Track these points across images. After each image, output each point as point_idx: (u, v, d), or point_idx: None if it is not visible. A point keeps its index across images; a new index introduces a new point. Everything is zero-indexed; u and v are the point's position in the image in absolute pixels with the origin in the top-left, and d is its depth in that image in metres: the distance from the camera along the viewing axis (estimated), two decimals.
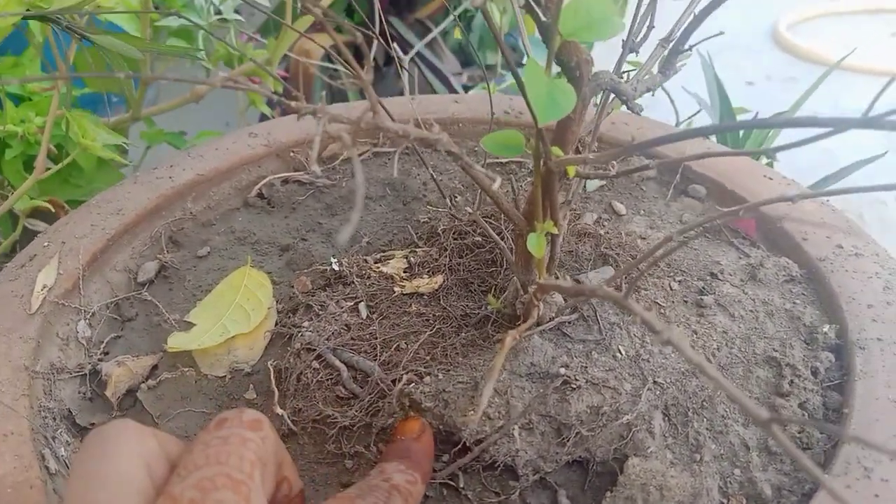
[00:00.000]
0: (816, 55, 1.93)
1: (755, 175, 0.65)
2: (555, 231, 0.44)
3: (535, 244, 0.43)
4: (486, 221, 0.57)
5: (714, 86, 0.84)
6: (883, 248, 0.56)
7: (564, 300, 0.49)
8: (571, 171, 0.43)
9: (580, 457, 0.44)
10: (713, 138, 0.75)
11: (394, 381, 0.47)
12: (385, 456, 0.42)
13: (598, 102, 0.53)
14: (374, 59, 1.25)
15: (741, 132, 0.79)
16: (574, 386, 0.45)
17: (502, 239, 0.55)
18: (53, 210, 0.77)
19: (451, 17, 1.01)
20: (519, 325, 0.45)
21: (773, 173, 0.65)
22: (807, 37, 2.06)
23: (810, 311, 0.53)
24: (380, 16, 0.56)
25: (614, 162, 0.66)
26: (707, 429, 0.45)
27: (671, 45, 0.47)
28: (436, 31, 0.82)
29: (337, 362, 0.49)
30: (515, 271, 0.48)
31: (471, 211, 0.51)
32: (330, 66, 1.17)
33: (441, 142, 0.39)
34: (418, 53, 1.36)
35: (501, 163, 0.73)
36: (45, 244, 0.58)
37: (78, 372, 0.53)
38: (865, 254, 0.55)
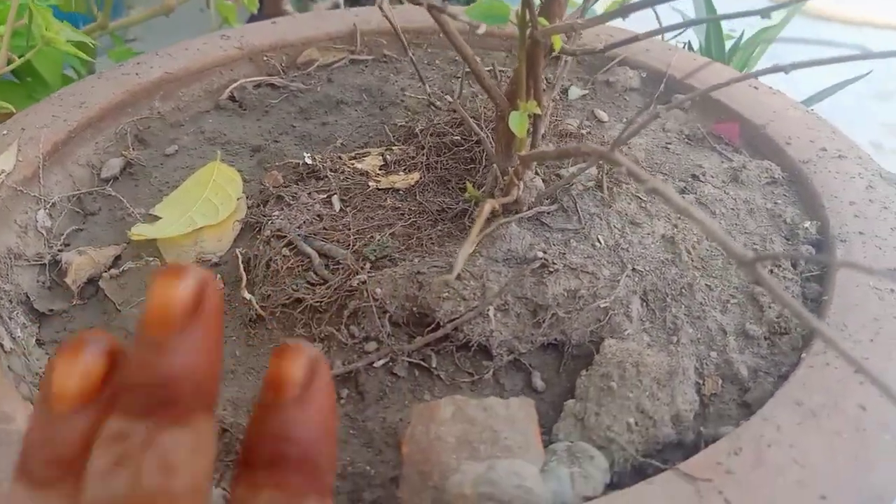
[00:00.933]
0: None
1: (741, 84, 0.64)
2: (538, 111, 0.43)
3: (518, 122, 0.42)
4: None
5: (701, 3, 0.82)
6: (866, 152, 0.55)
7: (545, 185, 0.47)
8: (558, 42, 0.41)
9: (556, 339, 0.43)
10: (697, 53, 0.73)
11: (363, 266, 0.46)
12: (273, 457, 0.23)
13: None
14: None
15: (727, 48, 0.78)
16: (551, 269, 0.44)
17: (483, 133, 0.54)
18: None
19: None
20: (500, 199, 0.44)
21: (758, 83, 0.64)
22: None
23: (791, 210, 0.52)
24: None
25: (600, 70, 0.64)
26: (685, 314, 0.44)
27: None
28: None
29: (308, 249, 0.47)
30: (495, 157, 0.47)
31: (451, 99, 0.49)
32: None
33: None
34: None
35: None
36: (4, 132, 0.55)
37: (37, 261, 0.50)
38: (849, 156, 0.54)
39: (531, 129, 0.45)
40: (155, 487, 0.20)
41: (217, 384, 0.22)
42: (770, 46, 0.85)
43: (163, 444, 0.20)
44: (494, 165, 0.47)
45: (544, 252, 0.45)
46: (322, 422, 0.24)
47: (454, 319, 0.42)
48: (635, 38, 0.38)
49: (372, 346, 0.43)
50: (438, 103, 0.53)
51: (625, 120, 0.64)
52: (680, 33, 0.82)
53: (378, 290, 0.44)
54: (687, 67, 0.68)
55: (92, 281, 0.50)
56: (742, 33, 0.79)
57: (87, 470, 0.21)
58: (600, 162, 0.52)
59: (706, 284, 0.46)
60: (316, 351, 0.24)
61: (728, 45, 0.78)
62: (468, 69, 0.43)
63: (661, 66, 0.67)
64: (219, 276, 0.50)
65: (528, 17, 0.39)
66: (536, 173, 0.48)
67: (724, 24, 0.83)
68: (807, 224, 0.50)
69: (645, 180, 0.30)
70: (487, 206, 0.36)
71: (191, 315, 0.21)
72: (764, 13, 0.36)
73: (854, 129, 0.57)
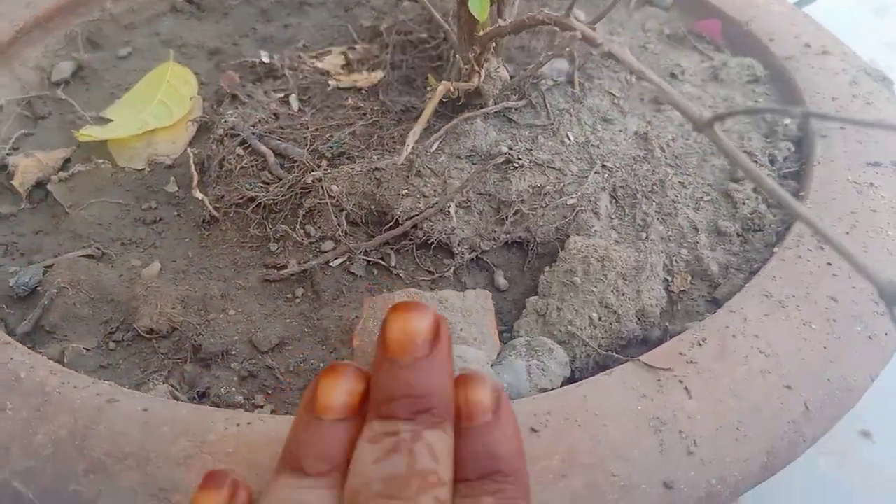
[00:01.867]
0: None
1: None
2: None
3: (478, 5, 0.39)
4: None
5: None
6: (851, 48, 0.53)
7: (510, 77, 0.45)
8: None
9: (520, 237, 0.41)
10: None
11: (320, 164, 0.43)
12: (479, 471, 0.27)
13: None
14: None
15: None
16: (516, 165, 0.42)
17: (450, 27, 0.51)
18: None
19: None
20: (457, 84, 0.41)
21: None
22: None
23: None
24: None
25: None
26: (656, 211, 0.42)
27: None
28: None
29: (262, 147, 0.45)
30: (458, 47, 0.44)
31: None
32: None
33: None
34: None
35: None
36: None
37: None
38: (833, 52, 0.52)
39: (496, 14, 0.43)
40: (427, 468, 0.25)
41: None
42: None
43: (428, 439, 0.25)
44: (458, 56, 0.44)
45: (510, 148, 0.43)
46: (519, 439, 0.27)
47: (414, 216, 0.40)
48: None
49: (329, 245, 0.41)
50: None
51: (603, 19, 0.61)
52: None
53: (334, 188, 0.42)
54: None
55: (41, 184, 0.48)
56: None
57: (357, 459, 0.26)
58: (572, 55, 0.49)
59: (679, 182, 0.44)
60: (496, 382, 0.28)
61: None
62: None
63: None
64: (173, 178, 0.47)
65: None
66: (504, 65, 0.46)
67: None
68: (787, 121, 0.48)
69: (599, 44, 0.28)
70: (441, 88, 0.34)
71: (433, 343, 0.27)
72: None
73: (853, 46, 0.54)
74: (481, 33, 0.39)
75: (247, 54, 0.57)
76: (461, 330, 0.33)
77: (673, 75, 0.53)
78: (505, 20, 0.42)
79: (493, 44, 0.41)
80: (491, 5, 0.40)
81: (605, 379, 0.32)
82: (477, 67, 0.40)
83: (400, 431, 0.26)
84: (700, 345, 0.33)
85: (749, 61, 0.53)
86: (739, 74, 0.52)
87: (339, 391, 0.27)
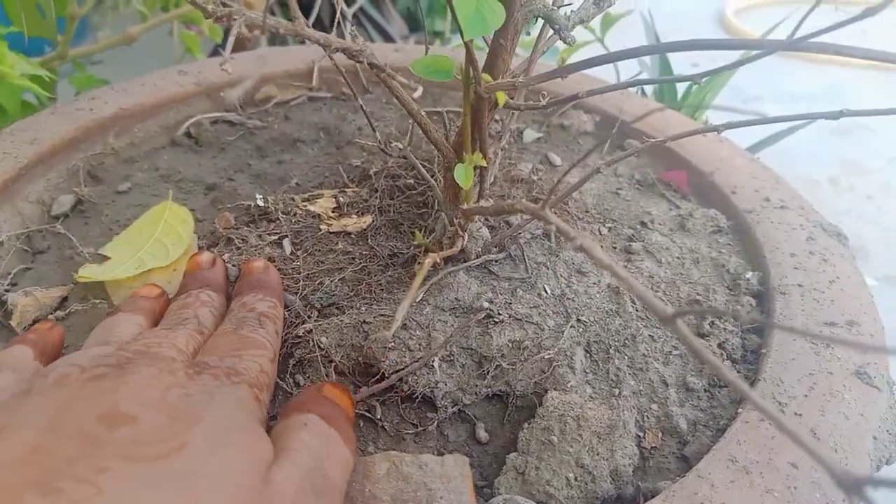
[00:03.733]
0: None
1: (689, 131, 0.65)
2: (483, 164, 0.44)
3: (463, 175, 0.42)
4: (421, 164, 0.56)
5: (654, 41, 0.84)
6: (808, 202, 0.57)
7: (491, 236, 0.48)
8: (501, 98, 0.42)
9: (500, 391, 0.43)
10: (651, 97, 0.75)
11: (311, 315, 0.46)
12: (238, 290, 0.45)
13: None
14: (319, 15, 1.22)
15: (679, 93, 0.80)
16: (497, 320, 0.44)
17: (434, 179, 0.54)
18: None
19: None
20: (443, 252, 0.44)
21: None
22: (754, 23, 2.10)
23: (735, 259, 0.53)
24: None
25: (550, 109, 0.65)
26: (628, 366, 0.45)
27: None
28: None
29: None
30: (443, 206, 0.47)
31: (402, 147, 0.50)
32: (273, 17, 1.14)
33: (364, 53, 0.38)
34: (365, 14, 1.34)
35: (438, 111, 0.71)
36: None
37: None
38: (791, 206, 0.56)
39: (478, 180, 0.46)
40: (205, 299, 0.44)
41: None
42: (729, 81, 0.87)
43: (207, 292, 0.45)
44: (443, 214, 0.47)
45: (490, 302, 0.45)
46: (275, 279, 0.47)
47: (399, 370, 0.42)
48: (575, 98, 0.39)
49: None
50: (390, 150, 0.53)
51: (579, 165, 0.65)
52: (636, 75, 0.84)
53: (324, 340, 0.44)
54: (639, 113, 0.69)
55: (37, 322, 0.49)
56: (691, 85, 0.81)
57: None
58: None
59: (649, 335, 0.46)
60: (265, 260, 0.50)
61: (681, 89, 0.80)
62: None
63: (613, 111, 0.69)
64: None
65: (471, 73, 0.40)
66: (485, 222, 0.49)
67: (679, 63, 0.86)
68: (748, 275, 0.51)
69: (573, 238, 0.31)
70: (428, 261, 0.36)
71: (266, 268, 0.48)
72: (697, 78, 0.37)
73: (813, 164, 0.59)
74: (467, 205, 0.42)
75: (241, 191, 0.60)
76: (441, 498, 0.35)
77: (643, 224, 0.56)
78: (486, 187, 0.46)
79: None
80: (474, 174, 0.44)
81: None
82: (461, 232, 0.43)
83: (190, 293, 0.45)
84: None
85: (713, 213, 0.57)
86: (704, 225, 0.56)
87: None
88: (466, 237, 0.45)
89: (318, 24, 1.12)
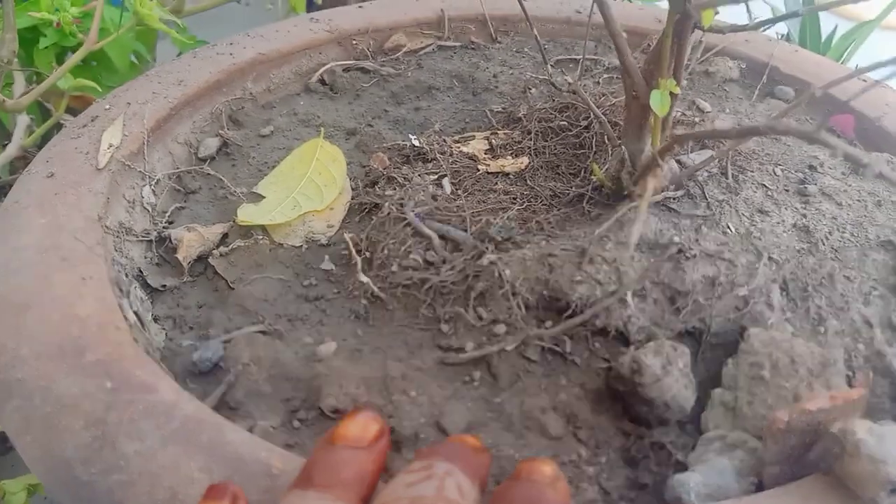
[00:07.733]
0: None
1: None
2: (677, 91, 0.42)
3: (659, 101, 0.40)
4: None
5: None
6: None
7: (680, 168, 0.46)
8: (709, 17, 0.40)
9: (693, 327, 0.41)
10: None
11: (485, 247, 0.44)
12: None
13: None
14: None
15: (821, 42, 0.76)
16: (689, 255, 0.42)
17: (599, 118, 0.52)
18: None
19: None
20: (633, 194, 0.42)
21: (867, 77, 0.62)
22: None
23: None
24: None
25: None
26: (828, 305, 0.42)
27: None
28: None
29: (427, 230, 0.46)
30: (625, 140, 0.45)
31: (571, 81, 0.48)
32: None
33: None
34: None
35: (574, 59, 0.69)
36: (107, 107, 0.55)
37: (144, 237, 0.49)
38: None
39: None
40: (453, 498, 0.28)
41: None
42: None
43: (459, 478, 0.29)
44: (623, 148, 0.46)
45: (678, 237, 0.43)
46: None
47: (592, 304, 0.41)
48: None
49: (500, 328, 0.42)
50: (560, 84, 0.52)
51: (727, 111, 0.62)
52: (770, 26, 0.81)
53: (507, 272, 0.42)
54: (788, 59, 0.66)
55: (200, 258, 0.49)
56: (835, 28, 0.77)
57: (391, 482, 0.29)
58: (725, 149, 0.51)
59: (845, 276, 0.44)
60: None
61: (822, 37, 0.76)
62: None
63: (761, 57, 0.66)
64: (327, 256, 0.48)
65: None
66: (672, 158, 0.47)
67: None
68: None
69: (866, 164, 0.28)
70: (650, 186, 0.35)
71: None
72: None
73: None
74: (666, 133, 0.40)
75: (385, 136, 0.59)
76: None
77: (812, 168, 0.53)
78: (671, 118, 0.44)
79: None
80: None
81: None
82: (661, 163, 0.41)
83: (435, 466, 0.29)
84: None
85: (888, 156, 0.54)
86: None
87: (354, 426, 0.32)
88: (666, 168, 0.43)
89: None
